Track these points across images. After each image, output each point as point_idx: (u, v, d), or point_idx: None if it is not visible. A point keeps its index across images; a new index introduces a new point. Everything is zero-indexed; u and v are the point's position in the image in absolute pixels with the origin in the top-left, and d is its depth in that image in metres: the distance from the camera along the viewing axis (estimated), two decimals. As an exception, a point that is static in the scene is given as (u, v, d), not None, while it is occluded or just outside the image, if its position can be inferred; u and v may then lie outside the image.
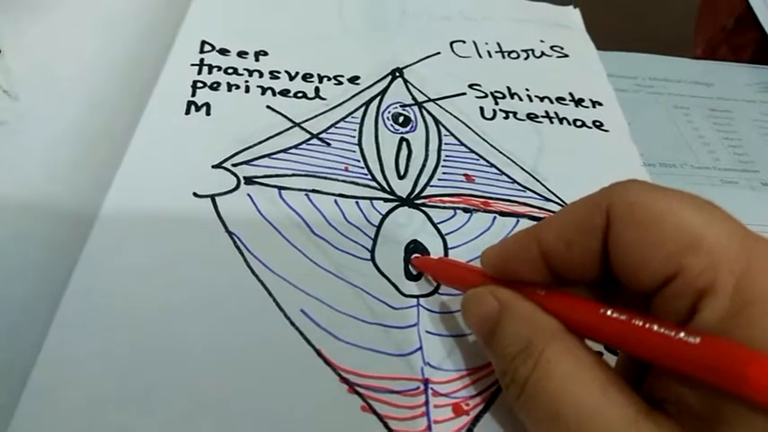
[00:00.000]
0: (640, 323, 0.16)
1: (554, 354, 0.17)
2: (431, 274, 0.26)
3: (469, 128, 0.32)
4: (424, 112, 0.32)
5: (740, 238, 0.15)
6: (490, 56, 0.37)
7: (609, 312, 0.17)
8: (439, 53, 0.36)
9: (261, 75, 0.33)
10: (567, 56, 0.38)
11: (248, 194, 0.27)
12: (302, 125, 0.30)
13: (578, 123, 0.33)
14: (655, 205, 0.16)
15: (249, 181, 0.27)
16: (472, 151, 0.31)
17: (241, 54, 0.34)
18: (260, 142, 0.29)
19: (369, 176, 0.29)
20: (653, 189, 0.16)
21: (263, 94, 0.32)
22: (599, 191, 0.17)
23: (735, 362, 0.14)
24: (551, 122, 0.33)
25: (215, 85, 0.31)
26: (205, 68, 0.32)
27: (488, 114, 0.33)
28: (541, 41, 0.39)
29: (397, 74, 0.34)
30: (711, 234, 0.15)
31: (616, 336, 0.16)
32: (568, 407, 0.16)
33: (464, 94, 0.34)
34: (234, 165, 0.28)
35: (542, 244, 0.18)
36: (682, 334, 0.15)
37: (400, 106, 0.33)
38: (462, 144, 0.31)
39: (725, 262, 0.15)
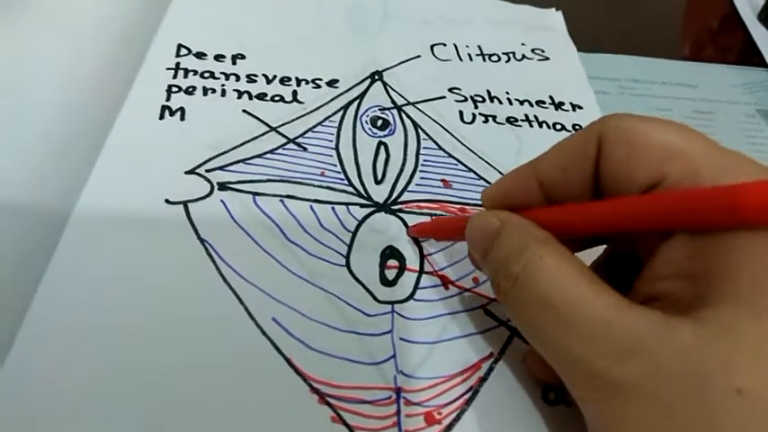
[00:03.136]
0: (633, 198, 0.17)
1: (546, 252, 0.18)
2: (431, 236, 0.26)
3: (448, 132, 0.32)
4: (403, 116, 0.32)
5: (716, 148, 0.17)
6: (471, 59, 0.37)
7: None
8: (419, 56, 0.36)
9: (237, 78, 0.32)
10: (548, 59, 0.37)
11: (221, 200, 0.27)
12: (278, 129, 0.30)
13: (558, 127, 0.33)
14: (640, 127, 0.18)
15: (223, 187, 0.27)
16: (451, 156, 0.31)
17: (218, 57, 0.33)
18: (235, 147, 0.29)
19: (345, 181, 0.29)
20: (638, 116, 0.18)
21: (239, 98, 0.31)
22: (591, 122, 0.19)
23: (723, 193, 0.15)
24: (531, 126, 0.33)
25: (190, 90, 0.31)
26: (181, 72, 0.32)
27: (468, 118, 0.33)
28: (523, 44, 0.38)
29: (377, 77, 0.34)
30: (690, 145, 0.17)
31: (614, 217, 0.18)
32: (558, 295, 0.17)
33: (444, 97, 0.34)
34: (207, 170, 0.28)
35: (541, 173, 0.20)
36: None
37: (379, 110, 0.32)
38: (441, 148, 0.31)
39: (705, 167, 0.16)
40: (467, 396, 0.22)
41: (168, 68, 0.32)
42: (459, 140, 0.32)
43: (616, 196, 0.18)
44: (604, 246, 0.23)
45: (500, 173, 0.30)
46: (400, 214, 0.28)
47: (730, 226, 0.15)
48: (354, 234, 0.27)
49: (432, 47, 0.37)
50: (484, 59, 0.37)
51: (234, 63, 0.33)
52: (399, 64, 0.35)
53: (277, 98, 0.32)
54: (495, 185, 0.22)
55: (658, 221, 0.17)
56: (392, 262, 0.26)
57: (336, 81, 0.33)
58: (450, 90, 0.34)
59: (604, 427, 0.17)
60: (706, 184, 0.16)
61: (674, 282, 0.16)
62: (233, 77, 0.32)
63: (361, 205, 0.28)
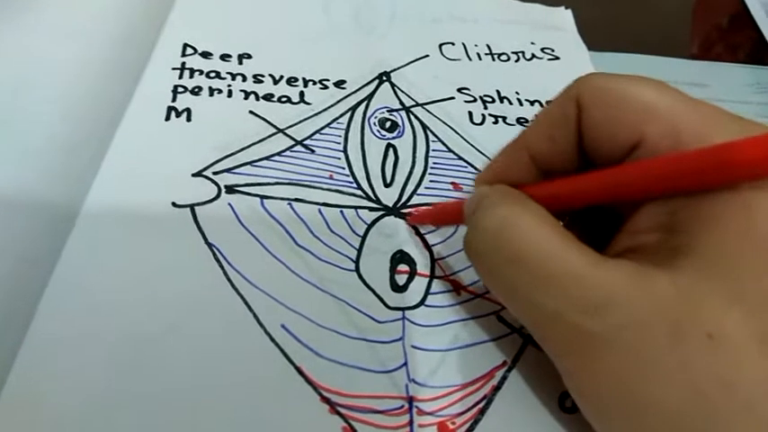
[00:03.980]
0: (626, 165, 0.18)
1: (522, 209, 0.18)
2: (431, 222, 0.26)
3: (458, 133, 0.31)
4: (412, 117, 0.32)
5: (693, 103, 0.17)
6: (480, 58, 0.36)
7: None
8: (428, 56, 0.36)
9: (244, 79, 0.32)
10: (557, 58, 0.37)
11: (229, 203, 0.26)
12: (286, 131, 0.30)
13: (569, 128, 0.33)
14: (616, 87, 0.18)
15: (230, 189, 0.27)
16: (460, 158, 0.30)
17: (224, 57, 0.33)
18: (242, 149, 0.28)
19: (354, 184, 0.28)
20: (613, 75, 0.18)
21: (245, 98, 0.31)
22: (567, 86, 0.19)
23: (716, 153, 0.15)
24: (542, 127, 0.32)
25: (196, 90, 0.30)
26: (186, 72, 0.31)
27: (477, 119, 0.32)
28: (532, 43, 0.38)
29: (385, 78, 0.34)
30: (668, 103, 0.17)
31: (609, 190, 0.18)
32: (532, 252, 0.17)
33: (453, 98, 0.33)
34: (215, 173, 0.27)
35: (530, 147, 0.20)
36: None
37: (387, 111, 0.32)
38: (450, 150, 0.30)
39: (685, 124, 0.16)
40: (481, 405, 0.22)
41: (174, 68, 0.31)
42: (468, 142, 0.31)
43: (601, 162, 0.18)
44: None
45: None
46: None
47: (723, 184, 0.15)
48: (364, 238, 0.26)
49: (440, 46, 0.36)
50: (493, 59, 0.36)
51: (240, 63, 0.33)
52: (408, 64, 0.35)
53: (284, 99, 0.31)
54: (488, 168, 0.22)
55: (653, 190, 0.17)
56: (402, 267, 0.26)
57: (344, 82, 0.33)
58: (459, 90, 0.34)
59: (579, 382, 0.17)
60: (687, 142, 0.16)
61: (653, 234, 0.17)
62: (239, 77, 0.32)
63: (371, 209, 0.27)
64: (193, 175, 0.27)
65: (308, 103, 0.31)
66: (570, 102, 0.18)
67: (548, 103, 0.33)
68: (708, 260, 0.15)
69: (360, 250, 0.26)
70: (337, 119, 0.31)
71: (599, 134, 0.18)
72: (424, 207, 0.27)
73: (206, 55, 0.33)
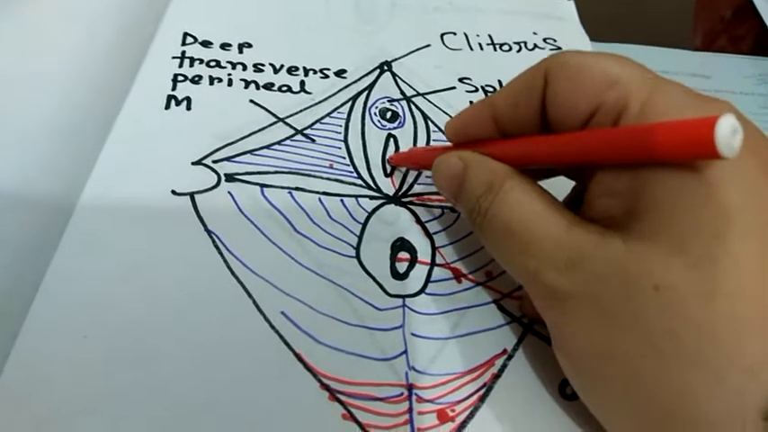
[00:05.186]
0: (583, 132, 0.19)
1: (509, 186, 0.20)
2: (408, 165, 0.28)
3: (459, 123, 0.31)
4: (413, 107, 0.32)
5: (654, 79, 0.18)
6: (481, 48, 0.36)
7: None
8: (429, 45, 0.35)
9: (244, 68, 0.32)
10: (559, 48, 0.37)
11: (229, 192, 0.26)
12: (286, 120, 0.29)
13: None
14: (583, 62, 0.19)
15: (230, 178, 0.27)
16: (461, 147, 0.30)
17: (224, 46, 0.33)
18: (242, 138, 0.28)
19: (354, 174, 0.28)
20: (582, 52, 0.20)
21: (246, 87, 0.31)
22: (540, 60, 0.20)
23: (643, 132, 0.16)
24: (543, 117, 0.32)
25: (196, 79, 0.30)
26: (186, 61, 0.31)
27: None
28: (534, 33, 0.38)
29: (386, 67, 0.33)
30: (625, 74, 0.18)
31: (552, 152, 0.20)
32: (517, 222, 0.19)
33: (454, 88, 0.33)
34: (214, 161, 0.27)
35: (494, 108, 0.21)
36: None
37: (388, 101, 0.32)
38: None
39: (634, 97, 0.17)
40: (480, 393, 0.22)
41: (174, 57, 0.31)
42: (470, 131, 0.31)
43: (560, 129, 0.20)
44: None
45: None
46: (411, 206, 0.27)
47: (650, 162, 0.16)
48: (364, 226, 0.26)
49: (442, 36, 0.36)
50: (495, 49, 0.36)
51: (240, 52, 0.32)
52: (409, 54, 0.34)
53: (284, 88, 0.31)
54: (457, 118, 0.24)
55: (585, 157, 0.18)
56: (403, 254, 0.25)
57: (344, 71, 0.33)
58: (461, 80, 0.34)
59: (557, 334, 0.19)
60: (631, 113, 0.17)
61: (607, 200, 0.18)
62: (240, 66, 0.32)
63: (371, 197, 0.27)
64: (193, 163, 0.27)
65: (309, 93, 0.31)
66: (539, 73, 0.20)
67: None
68: (656, 221, 0.16)
69: (360, 237, 0.26)
70: (338, 108, 0.31)
71: (561, 103, 0.19)
72: (402, 151, 0.29)
73: (206, 44, 0.32)
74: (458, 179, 0.22)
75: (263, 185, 0.27)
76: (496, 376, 0.22)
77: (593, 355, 0.17)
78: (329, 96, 0.31)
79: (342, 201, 0.27)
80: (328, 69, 0.33)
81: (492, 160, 0.21)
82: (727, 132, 0.14)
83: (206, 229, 0.25)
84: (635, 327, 0.16)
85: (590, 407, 0.19)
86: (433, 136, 0.30)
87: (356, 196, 0.27)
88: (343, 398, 0.21)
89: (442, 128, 0.31)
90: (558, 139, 0.19)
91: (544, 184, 0.21)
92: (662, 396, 0.16)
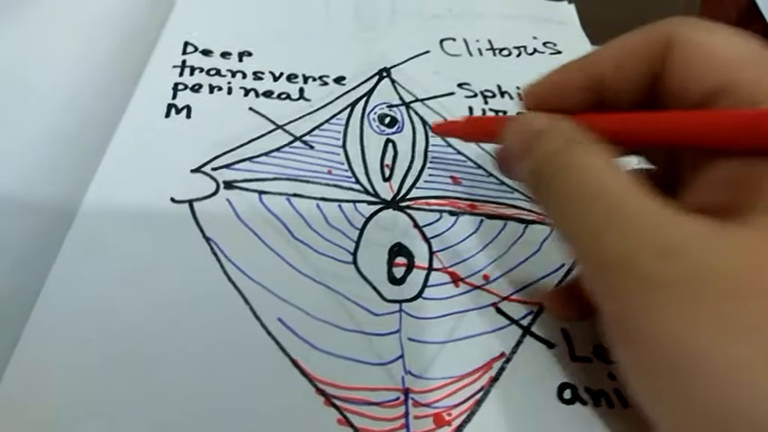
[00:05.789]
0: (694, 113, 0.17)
1: (594, 152, 0.17)
2: (459, 136, 0.27)
3: (458, 128, 0.31)
4: (412, 113, 0.32)
5: None
6: (481, 54, 0.36)
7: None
8: (428, 51, 0.36)
9: (244, 76, 0.32)
10: (560, 53, 0.37)
11: (227, 199, 0.26)
12: (285, 128, 0.30)
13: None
14: (715, 32, 0.17)
15: (228, 185, 0.27)
16: (460, 153, 0.30)
17: (224, 55, 0.33)
18: (241, 145, 0.28)
19: (352, 179, 0.28)
20: (708, 22, 0.18)
21: (245, 95, 0.31)
22: (657, 23, 0.18)
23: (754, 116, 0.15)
24: (542, 121, 0.32)
25: (196, 87, 0.31)
26: (187, 70, 0.31)
27: (477, 114, 0.32)
28: (534, 38, 0.38)
29: (385, 74, 0.33)
30: (765, 55, 0.16)
31: (665, 133, 0.17)
32: (605, 190, 0.16)
33: (453, 93, 0.33)
34: (213, 169, 0.27)
35: (593, 67, 0.19)
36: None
37: (387, 107, 0.32)
38: (450, 145, 0.30)
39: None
40: (477, 397, 0.22)
41: (175, 66, 0.31)
42: (468, 136, 0.31)
43: (672, 105, 0.18)
44: None
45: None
46: (409, 211, 0.27)
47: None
48: (362, 231, 0.26)
49: (441, 42, 0.36)
50: (494, 54, 0.36)
51: (240, 60, 0.33)
52: (408, 60, 0.35)
53: (284, 96, 0.31)
54: (538, 83, 0.21)
55: (707, 141, 0.16)
56: (400, 259, 0.25)
57: (343, 78, 0.33)
58: (460, 86, 0.34)
59: (628, 328, 0.16)
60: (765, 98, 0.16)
61: (719, 191, 0.16)
62: (239, 75, 0.32)
63: (369, 202, 0.27)
64: (192, 171, 0.27)
65: (308, 100, 0.31)
66: (658, 36, 0.18)
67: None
68: None
69: (357, 243, 0.26)
70: (337, 115, 0.31)
71: (683, 74, 0.17)
72: (453, 119, 0.28)
73: (207, 53, 0.33)
74: (532, 135, 0.19)
75: (261, 192, 0.27)
76: (494, 380, 0.22)
77: (677, 357, 0.15)
78: (328, 103, 0.31)
79: (339, 206, 0.27)
80: (327, 76, 0.33)
81: (578, 127, 0.19)
82: None
83: (204, 236, 0.25)
84: (749, 333, 0.14)
85: (649, 408, 0.16)
86: (431, 141, 0.30)
87: (354, 201, 0.27)
88: (338, 403, 0.21)
89: (441, 132, 0.31)
90: (680, 116, 0.17)
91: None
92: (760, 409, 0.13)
